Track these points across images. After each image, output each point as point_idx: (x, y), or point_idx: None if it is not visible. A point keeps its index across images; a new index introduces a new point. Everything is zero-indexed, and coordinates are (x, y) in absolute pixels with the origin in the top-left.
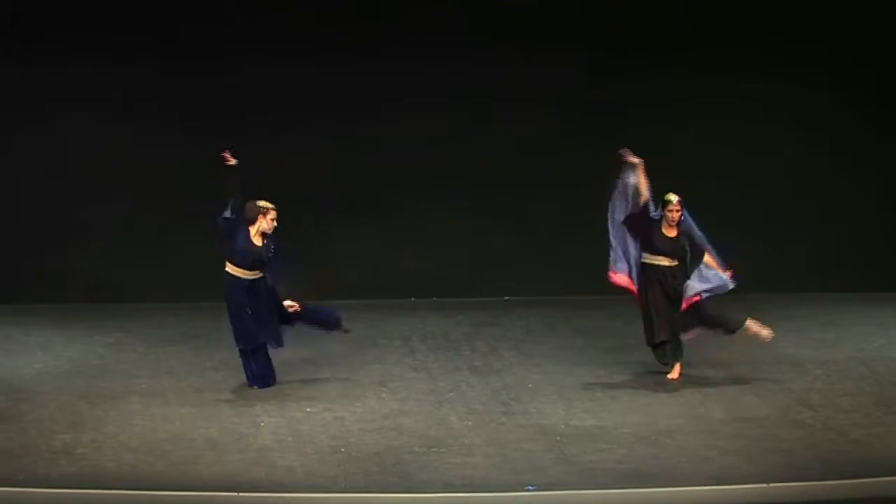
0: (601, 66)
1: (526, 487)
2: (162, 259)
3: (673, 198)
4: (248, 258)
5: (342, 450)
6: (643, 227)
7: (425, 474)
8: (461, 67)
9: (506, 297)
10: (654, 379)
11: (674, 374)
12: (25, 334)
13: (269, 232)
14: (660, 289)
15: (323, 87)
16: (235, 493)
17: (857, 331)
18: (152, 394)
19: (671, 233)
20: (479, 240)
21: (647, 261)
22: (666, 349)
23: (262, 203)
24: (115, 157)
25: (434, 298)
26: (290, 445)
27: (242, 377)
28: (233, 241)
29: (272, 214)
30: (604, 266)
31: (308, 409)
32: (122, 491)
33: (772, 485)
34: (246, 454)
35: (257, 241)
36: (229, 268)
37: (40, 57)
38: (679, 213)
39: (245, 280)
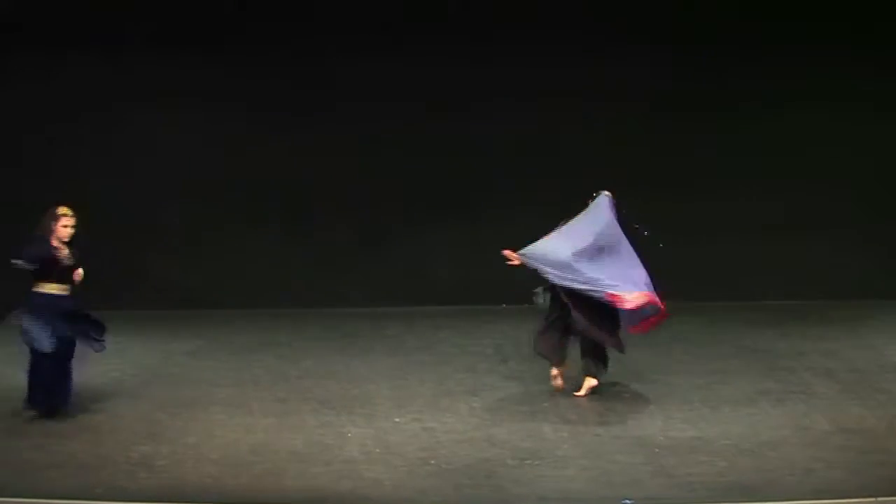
0: (702, 65)
1: (623, 501)
2: (240, 264)
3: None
4: (56, 268)
5: (432, 462)
6: None
7: (518, 487)
8: (551, 67)
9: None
10: (756, 388)
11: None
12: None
13: (66, 239)
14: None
15: (414, 85)
16: None
17: None
18: (234, 403)
19: None
20: None
21: None
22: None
23: (57, 210)
24: (193, 158)
25: (527, 305)
26: (377, 457)
27: (328, 386)
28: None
29: (64, 220)
30: (700, 271)
31: (396, 420)
32: None
33: (880, 499)
34: (332, 466)
35: (62, 252)
36: (44, 287)
37: (115, 55)
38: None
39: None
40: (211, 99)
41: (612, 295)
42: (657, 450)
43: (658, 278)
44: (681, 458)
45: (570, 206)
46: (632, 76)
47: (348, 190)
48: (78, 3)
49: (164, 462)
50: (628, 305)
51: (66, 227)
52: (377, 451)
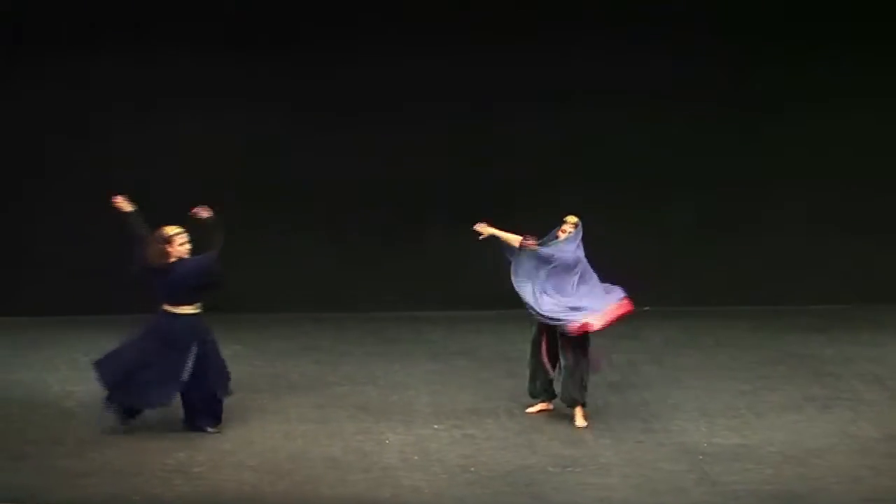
0: (741, 63)
1: None
2: (280, 267)
3: (571, 218)
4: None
5: (472, 469)
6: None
7: (560, 495)
8: (592, 64)
9: (645, 307)
10: (802, 395)
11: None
12: None
13: (186, 256)
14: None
15: (456, 86)
16: None
17: None
18: (271, 410)
19: None
20: (616, 246)
21: None
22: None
23: (163, 233)
24: (233, 159)
25: None
26: (416, 464)
27: (366, 391)
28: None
29: (180, 239)
30: (744, 274)
31: (436, 426)
32: None
33: None
34: (370, 473)
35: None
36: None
37: (153, 54)
38: (564, 234)
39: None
40: (254, 100)
41: (581, 324)
42: (701, 457)
43: (702, 282)
44: (725, 466)
45: (613, 207)
46: (665, 74)
47: (384, 192)
48: (110, 3)
49: (201, 469)
50: (597, 327)
51: (183, 244)
52: (416, 458)
